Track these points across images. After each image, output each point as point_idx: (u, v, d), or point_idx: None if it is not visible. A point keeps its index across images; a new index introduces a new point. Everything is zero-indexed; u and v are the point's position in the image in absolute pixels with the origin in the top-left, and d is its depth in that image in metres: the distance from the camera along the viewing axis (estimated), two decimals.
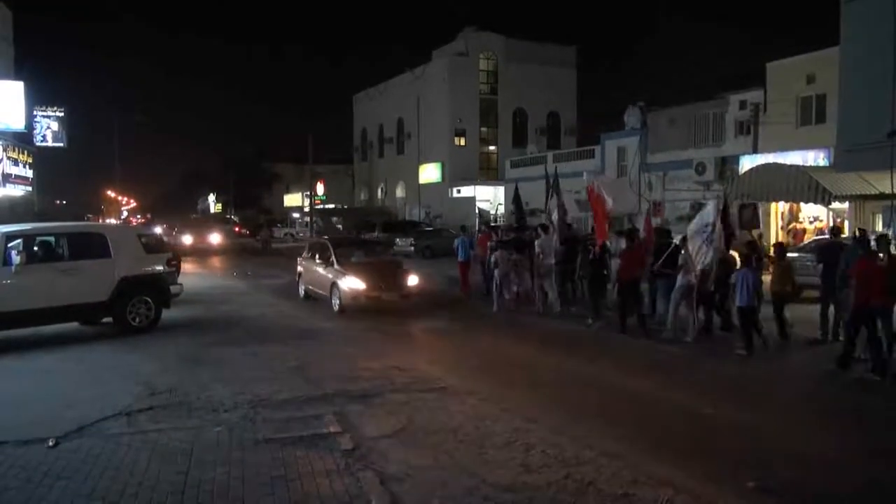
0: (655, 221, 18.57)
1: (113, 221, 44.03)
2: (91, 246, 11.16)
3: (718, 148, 25.76)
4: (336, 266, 13.69)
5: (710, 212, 10.61)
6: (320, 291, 14.34)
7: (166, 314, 12.02)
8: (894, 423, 7.03)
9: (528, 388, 8.07)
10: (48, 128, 35.03)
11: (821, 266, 10.71)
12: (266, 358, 9.44)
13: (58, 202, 55.71)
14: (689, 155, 26.30)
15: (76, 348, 10.22)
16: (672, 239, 11.97)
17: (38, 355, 9.70)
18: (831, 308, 10.36)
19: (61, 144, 35.94)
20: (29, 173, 31.98)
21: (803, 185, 17.70)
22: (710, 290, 10.84)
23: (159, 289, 11.79)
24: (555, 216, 14.31)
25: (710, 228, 10.34)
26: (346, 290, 13.05)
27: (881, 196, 16.40)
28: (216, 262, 28.72)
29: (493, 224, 24.26)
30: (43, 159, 35.65)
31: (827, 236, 13.62)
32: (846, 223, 19.91)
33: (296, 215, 56.18)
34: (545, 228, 14.55)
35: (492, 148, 47.18)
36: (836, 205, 18.57)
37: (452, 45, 46.77)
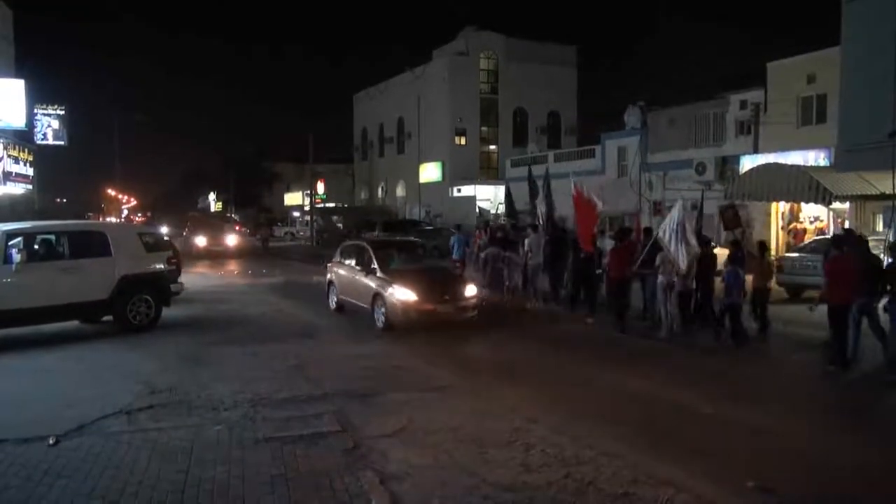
0: (658, 221, 18.64)
1: (113, 220, 43.96)
2: (91, 244, 11.17)
3: (719, 148, 25.74)
4: (379, 273, 11.68)
5: (677, 212, 10.88)
6: (359, 303, 12.33)
7: (167, 312, 12.02)
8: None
9: (528, 388, 8.07)
10: (49, 126, 35.02)
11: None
12: (266, 357, 9.44)
13: (58, 200, 55.69)
14: (690, 155, 26.28)
15: (76, 347, 10.22)
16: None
17: (39, 354, 9.70)
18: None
19: (62, 143, 35.93)
20: (29, 171, 31.98)
21: (804, 185, 17.69)
22: (692, 288, 11.13)
23: (160, 287, 11.79)
24: (542, 209, 14.63)
25: (680, 228, 10.60)
26: (395, 303, 11.06)
27: (882, 196, 16.39)
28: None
29: (486, 222, 24.46)
30: (43, 157, 35.65)
31: (828, 236, 13.64)
32: (846, 223, 19.92)
33: (296, 214, 56.18)
34: (534, 227, 14.84)
35: (492, 147, 47.15)
36: (836, 205, 18.56)
37: (453, 45, 46.76)
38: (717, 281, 11.10)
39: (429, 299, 11.06)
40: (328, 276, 13.93)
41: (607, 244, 13.56)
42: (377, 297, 11.50)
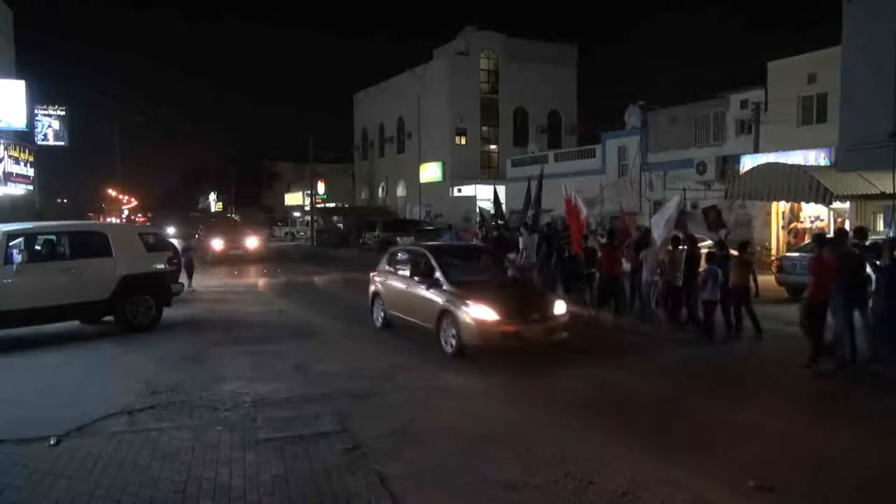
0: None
1: (113, 220, 43.98)
2: (92, 245, 11.18)
3: (719, 147, 25.74)
4: (445, 286, 9.79)
5: (671, 205, 11.53)
6: (417, 321, 10.39)
7: (167, 312, 12.03)
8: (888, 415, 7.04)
9: (530, 386, 8.08)
10: (49, 126, 35.01)
11: None
12: (267, 356, 9.45)
13: (59, 201, 55.66)
14: (690, 154, 26.28)
15: (77, 347, 10.23)
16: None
17: (40, 354, 9.72)
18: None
19: (62, 143, 35.92)
20: (30, 172, 31.98)
21: (804, 185, 17.70)
22: (678, 285, 11.44)
23: (160, 288, 11.80)
24: (531, 212, 14.88)
25: (672, 219, 11.34)
26: (471, 323, 9.01)
27: (882, 196, 16.40)
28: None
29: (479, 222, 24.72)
30: (44, 158, 35.65)
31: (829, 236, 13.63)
32: (847, 223, 19.92)
33: (297, 214, 56.21)
34: (527, 227, 15.07)
35: (493, 147, 47.14)
36: (836, 205, 18.57)
37: (453, 45, 46.77)
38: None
39: (513, 318, 9.11)
40: (372, 286, 12.06)
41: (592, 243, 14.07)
42: (445, 314, 9.51)
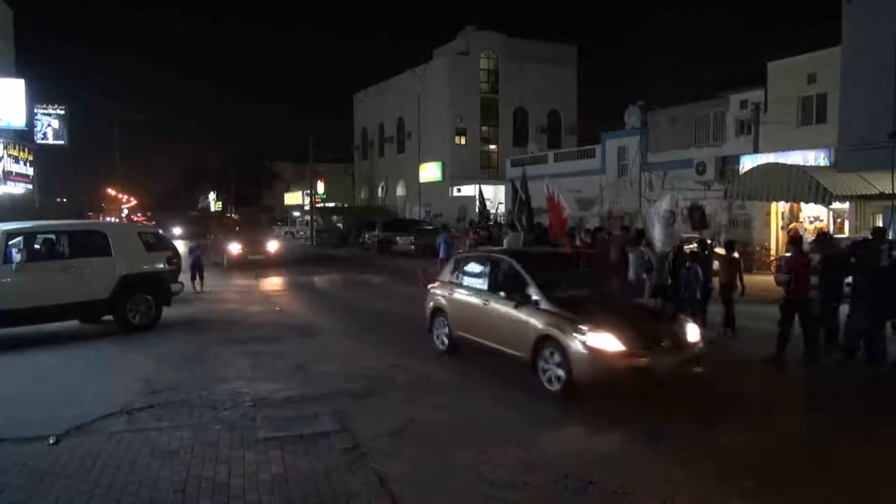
0: None
1: (113, 219, 43.92)
2: (92, 244, 11.16)
3: (719, 147, 25.76)
4: (544, 304, 7.81)
5: (664, 204, 11.59)
6: (505, 348, 8.28)
7: (167, 312, 12.02)
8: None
9: (529, 386, 8.07)
10: (49, 125, 35.02)
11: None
12: (267, 356, 9.44)
13: (58, 200, 55.63)
14: (690, 154, 26.30)
15: (77, 346, 10.22)
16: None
17: (39, 353, 9.71)
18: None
19: (62, 142, 35.92)
20: (29, 171, 32.01)
21: (804, 185, 17.72)
22: (667, 283, 11.50)
23: (160, 287, 11.79)
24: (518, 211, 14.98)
25: (668, 215, 11.33)
26: (587, 354, 7.08)
27: (882, 196, 16.42)
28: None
29: (471, 221, 24.93)
30: (43, 157, 35.65)
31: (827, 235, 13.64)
32: (846, 223, 19.94)
33: (296, 214, 56.23)
34: (513, 226, 15.18)
35: (492, 147, 47.17)
36: (836, 205, 18.59)
37: (453, 44, 46.78)
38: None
39: (642, 348, 7.17)
40: (430, 302, 9.98)
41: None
42: (546, 341, 7.56)
